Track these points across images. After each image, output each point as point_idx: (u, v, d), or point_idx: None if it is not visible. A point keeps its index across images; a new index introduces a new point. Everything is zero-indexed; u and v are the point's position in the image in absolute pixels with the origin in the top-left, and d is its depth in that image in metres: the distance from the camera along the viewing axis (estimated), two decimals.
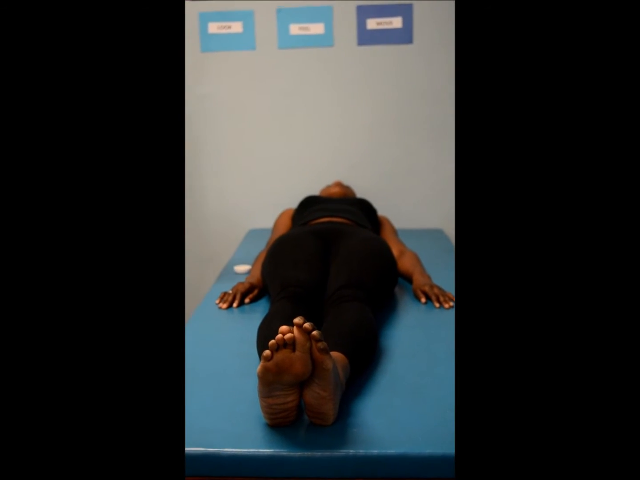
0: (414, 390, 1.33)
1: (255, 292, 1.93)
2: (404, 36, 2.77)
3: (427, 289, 1.89)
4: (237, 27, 2.80)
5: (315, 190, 2.84)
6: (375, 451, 1.12)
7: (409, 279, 2.03)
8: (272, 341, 1.10)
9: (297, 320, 1.10)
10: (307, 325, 1.10)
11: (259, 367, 1.13)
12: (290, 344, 1.10)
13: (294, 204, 2.70)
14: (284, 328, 1.11)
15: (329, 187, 2.67)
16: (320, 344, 1.11)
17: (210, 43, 2.81)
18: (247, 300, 1.91)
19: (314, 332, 1.11)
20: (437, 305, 1.83)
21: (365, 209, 2.36)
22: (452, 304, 1.84)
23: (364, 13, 2.76)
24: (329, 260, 1.86)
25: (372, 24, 2.77)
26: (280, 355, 1.10)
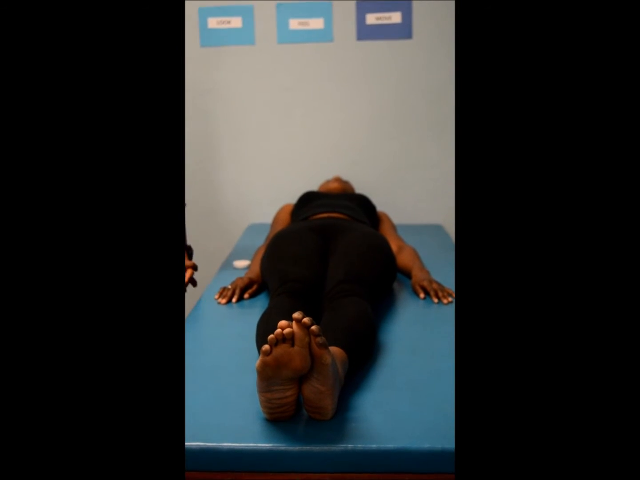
0: (413, 385, 1.33)
1: (255, 287, 1.94)
2: (403, 31, 2.77)
3: (425, 284, 1.89)
4: (236, 22, 2.80)
5: (314, 186, 2.84)
6: (373, 446, 1.13)
7: (407, 274, 2.03)
8: (271, 336, 1.10)
9: (296, 315, 1.10)
10: (306, 320, 1.10)
11: (257, 362, 1.13)
12: (289, 339, 1.10)
13: (293, 199, 2.71)
14: (283, 323, 1.11)
15: (328, 182, 2.67)
16: (319, 339, 1.11)
17: (210, 38, 2.80)
18: (246, 295, 1.91)
19: (313, 327, 1.11)
20: (436, 300, 1.83)
21: (364, 204, 2.37)
22: (450, 299, 1.84)
23: (363, 8, 2.76)
24: (328, 256, 1.86)
25: (371, 19, 2.77)
26: (279, 350, 1.10)
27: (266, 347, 1.11)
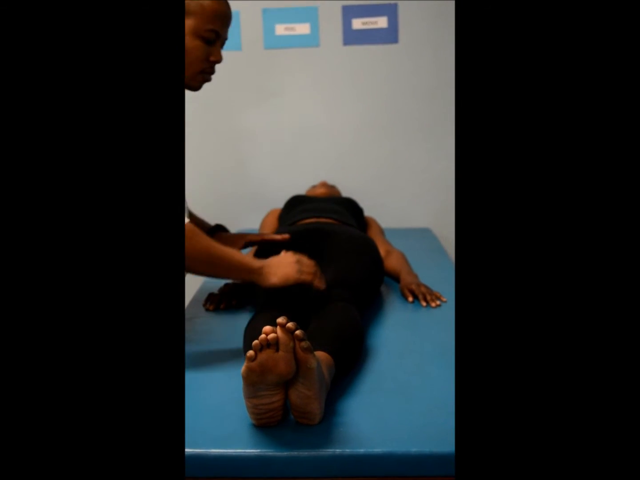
0: (401, 389, 1.33)
1: (242, 293, 1.93)
2: (390, 36, 2.78)
3: (414, 287, 1.90)
4: None
5: (301, 190, 2.84)
6: (361, 450, 1.12)
7: (396, 278, 2.03)
8: (256, 341, 1.10)
9: (280, 320, 1.10)
10: (290, 324, 1.10)
11: (243, 368, 1.13)
12: (273, 344, 1.10)
13: (280, 203, 2.71)
14: (267, 328, 1.11)
15: (314, 187, 2.68)
16: (304, 343, 1.11)
17: None
18: (233, 302, 1.90)
19: (297, 332, 1.11)
20: (424, 304, 1.84)
21: (351, 208, 2.37)
22: (439, 302, 1.84)
23: (349, 13, 2.77)
24: (316, 260, 1.86)
25: (357, 23, 2.78)
26: (263, 356, 1.10)
27: (251, 352, 1.10)
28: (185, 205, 1.51)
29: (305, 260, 1.60)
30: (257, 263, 1.50)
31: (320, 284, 1.60)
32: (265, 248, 1.84)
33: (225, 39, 1.55)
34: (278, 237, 1.81)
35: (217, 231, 1.89)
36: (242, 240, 1.84)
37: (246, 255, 1.57)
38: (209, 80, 1.55)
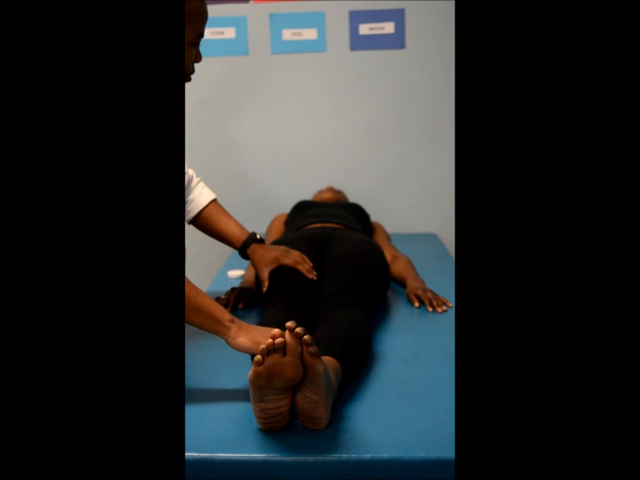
0: (407, 394, 1.33)
1: (249, 297, 1.93)
2: (396, 41, 2.79)
3: (420, 293, 1.89)
4: (230, 32, 2.81)
5: (308, 195, 2.84)
6: (367, 455, 1.12)
7: (402, 283, 2.03)
8: (263, 346, 1.10)
9: (288, 324, 1.10)
10: (298, 329, 1.10)
11: (250, 372, 1.13)
12: (281, 349, 1.10)
13: (286, 208, 2.71)
14: (275, 332, 1.11)
15: (321, 192, 2.68)
16: (311, 348, 1.11)
17: (203, 49, 2.80)
18: (240, 305, 1.90)
19: (305, 337, 1.11)
20: (430, 309, 1.84)
21: (357, 213, 2.37)
22: (445, 308, 1.84)
23: (356, 18, 2.77)
24: (322, 265, 1.86)
25: (364, 29, 2.78)
26: (271, 360, 1.10)
27: (258, 357, 1.11)
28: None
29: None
30: (228, 316, 1.32)
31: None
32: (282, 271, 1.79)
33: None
34: (308, 275, 1.76)
35: (253, 242, 1.83)
36: (276, 263, 1.78)
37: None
38: (188, 80, 1.53)
